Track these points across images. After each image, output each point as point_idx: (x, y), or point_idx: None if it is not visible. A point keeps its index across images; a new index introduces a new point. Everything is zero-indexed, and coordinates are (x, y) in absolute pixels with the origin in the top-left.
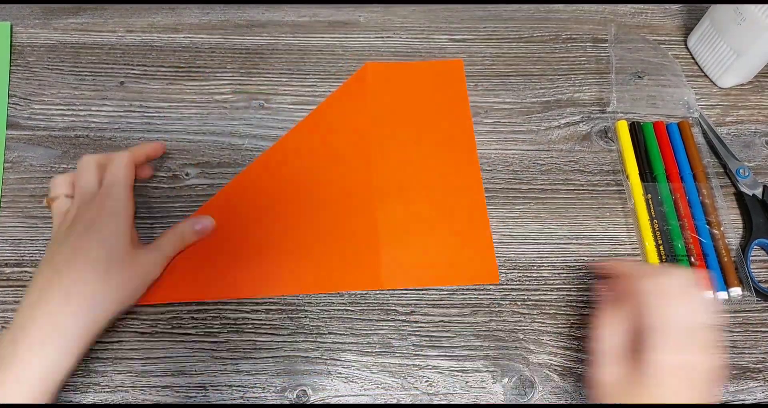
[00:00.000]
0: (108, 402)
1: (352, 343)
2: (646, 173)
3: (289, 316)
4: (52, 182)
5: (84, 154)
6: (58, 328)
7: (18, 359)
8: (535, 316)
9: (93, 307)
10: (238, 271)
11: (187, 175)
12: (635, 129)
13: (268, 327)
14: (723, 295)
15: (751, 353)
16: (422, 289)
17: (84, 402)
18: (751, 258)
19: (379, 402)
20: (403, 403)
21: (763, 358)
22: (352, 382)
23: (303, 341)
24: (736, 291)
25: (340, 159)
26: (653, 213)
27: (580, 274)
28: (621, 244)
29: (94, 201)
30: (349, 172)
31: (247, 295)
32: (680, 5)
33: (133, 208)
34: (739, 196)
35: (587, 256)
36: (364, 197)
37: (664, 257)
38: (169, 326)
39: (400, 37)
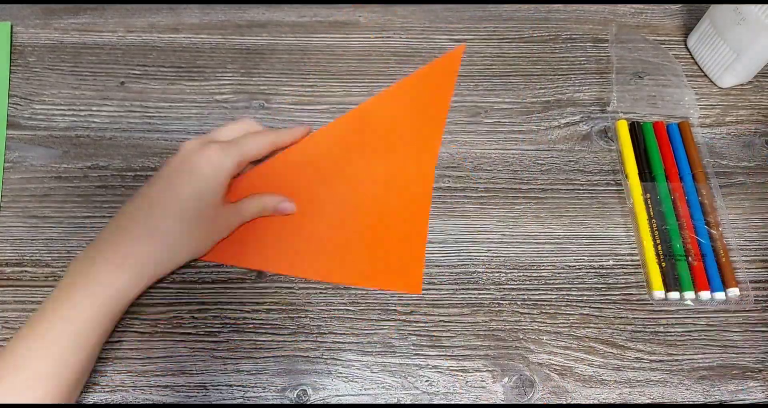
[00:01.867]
0: (108, 402)
1: (352, 342)
2: (646, 173)
3: (290, 315)
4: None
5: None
6: (135, 257)
7: (92, 278)
8: (535, 316)
9: (170, 247)
10: (289, 246)
11: None
12: (635, 129)
13: (269, 326)
14: (721, 295)
15: (751, 353)
16: (423, 289)
17: (84, 402)
18: (752, 258)
19: (379, 402)
20: (403, 402)
21: (762, 357)
22: (352, 381)
23: (303, 341)
24: (734, 291)
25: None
26: (652, 213)
27: (580, 273)
28: (620, 244)
29: (203, 146)
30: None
31: (294, 273)
32: (680, 5)
33: (235, 172)
34: None
35: (586, 256)
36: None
37: (662, 257)
38: (170, 326)
39: (400, 37)
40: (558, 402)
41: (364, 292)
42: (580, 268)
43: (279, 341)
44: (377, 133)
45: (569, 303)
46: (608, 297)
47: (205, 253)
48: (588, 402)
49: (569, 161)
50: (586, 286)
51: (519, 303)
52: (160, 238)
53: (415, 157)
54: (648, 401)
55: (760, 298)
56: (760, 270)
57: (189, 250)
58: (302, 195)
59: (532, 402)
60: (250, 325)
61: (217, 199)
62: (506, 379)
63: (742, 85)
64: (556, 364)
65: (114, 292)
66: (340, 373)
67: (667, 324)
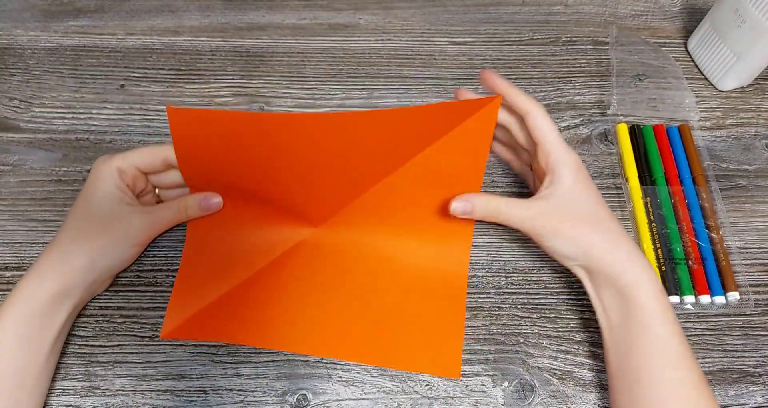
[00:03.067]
0: (108, 406)
1: None
2: (646, 176)
3: None
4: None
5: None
6: (42, 268)
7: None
8: (535, 320)
9: (65, 256)
10: (318, 326)
11: None
12: (635, 132)
13: None
14: (721, 299)
15: (751, 357)
16: None
17: (84, 406)
18: (752, 261)
19: (379, 406)
20: (403, 407)
21: (762, 361)
22: (352, 385)
23: None
24: (734, 295)
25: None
26: (652, 216)
27: None
28: None
29: (100, 160)
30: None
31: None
32: (681, 8)
33: (128, 176)
34: None
35: None
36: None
37: (662, 260)
38: None
39: (401, 40)
40: (558, 406)
41: None
42: None
43: None
44: (407, 206)
45: (569, 307)
46: None
47: (122, 262)
48: (588, 407)
49: None
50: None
51: (519, 307)
52: (57, 248)
53: (449, 232)
54: None
55: (760, 302)
56: (760, 274)
57: (91, 257)
58: (335, 275)
59: (532, 406)
60: None
61: (109, 203)
62: (506, 383)
63: (742, 87)
64: (556, 369)
65: (29, 302)
66: (340, 377)
67: None
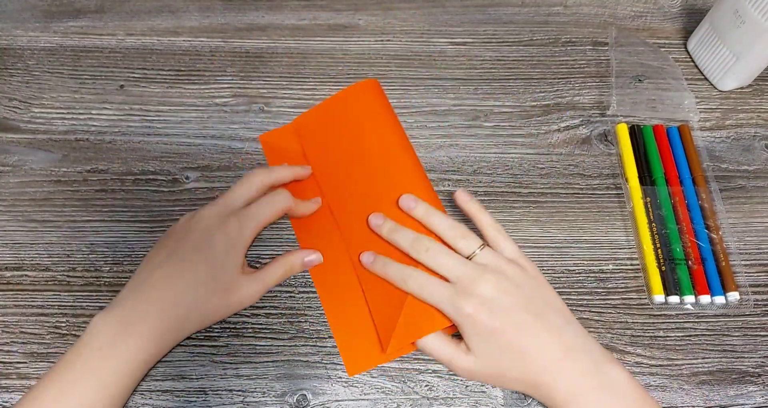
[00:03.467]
0: None
1: None
2: (646, 177)
3: (289, 320)
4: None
5: (258, 168)
6: (157, 328)
7: (122, 343)
8: None
9: (182, 320)
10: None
11: (186, 178)
12: (635, 132)
13: (268, 331)
14: (721, 299)
15: (750, 357)
16: None
17: None
18: (752, 262)
19: (379, 406)
20: (402, 407)
21: (762, 362)
22: (352, 386)
23: (303, 345)
24: (734, 295)
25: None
26: (652, 217)
27: (580, 277)
28: (620, 248)
29: (227, 219)
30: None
31: None
32: (680, 8)
33: (252, 240)
34: None
35: (586, 260)
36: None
37: (662, 260)
38: None
39: (400, 41)
40: None
41: None
42: (579, 272)
43: (278, 346)
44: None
45: (570, 306)
46: (608, 301)
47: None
48: None
49: (569, 165)
50: (586, 290)
51: None
52: (175, 311)
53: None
54: None
55: (760, 303)
56: (759, 274)
57: (201, 321)
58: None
59: (532, 407)
60: (250, 330)
61: (235, 272)
62: None
63: (742, 88)
64: None
65: (144, 357)
66: (340, 377)
67: (666, 328)
